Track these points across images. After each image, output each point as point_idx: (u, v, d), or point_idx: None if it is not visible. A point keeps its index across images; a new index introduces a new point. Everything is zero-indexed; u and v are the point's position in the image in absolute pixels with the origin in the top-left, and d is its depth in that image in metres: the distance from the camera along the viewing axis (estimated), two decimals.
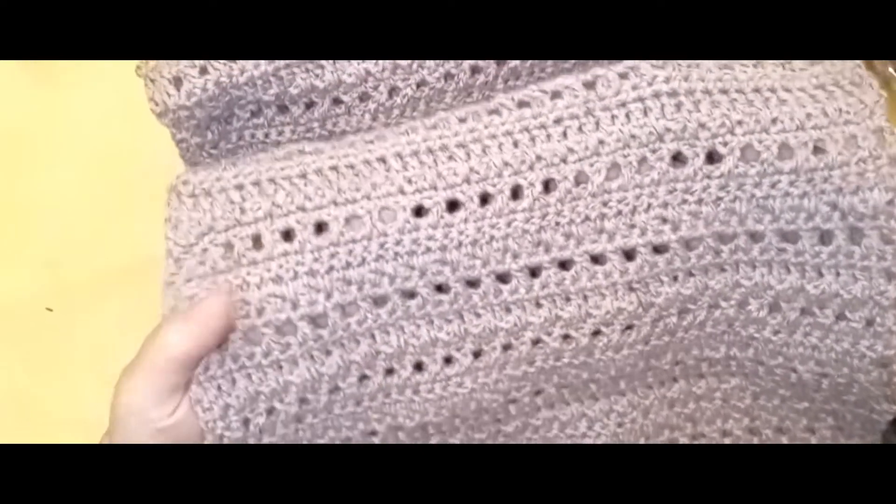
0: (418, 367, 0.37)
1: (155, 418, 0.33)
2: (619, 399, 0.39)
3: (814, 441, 0.41)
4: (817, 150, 0.34)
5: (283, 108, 0.38)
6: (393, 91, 0.38)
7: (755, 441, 0.42)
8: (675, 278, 0.36)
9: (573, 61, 0.38)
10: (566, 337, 0.37)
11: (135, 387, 0.33)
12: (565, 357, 0.37)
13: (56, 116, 0.48)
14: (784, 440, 0.41)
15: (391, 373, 0.36)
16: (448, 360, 0.37)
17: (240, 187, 0.35)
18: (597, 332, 0.37)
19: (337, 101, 0.38)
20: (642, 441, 0.40)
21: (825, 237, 0.35)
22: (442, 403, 0.37)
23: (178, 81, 0.36)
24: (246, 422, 0.35)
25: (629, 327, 0.37)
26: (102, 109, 0.48)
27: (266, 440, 0.35)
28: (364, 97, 0.38)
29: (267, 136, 0.39)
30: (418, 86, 0.38)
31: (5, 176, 0.47)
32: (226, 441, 0.35)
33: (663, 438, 0.41)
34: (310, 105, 0.38)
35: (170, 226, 0.34)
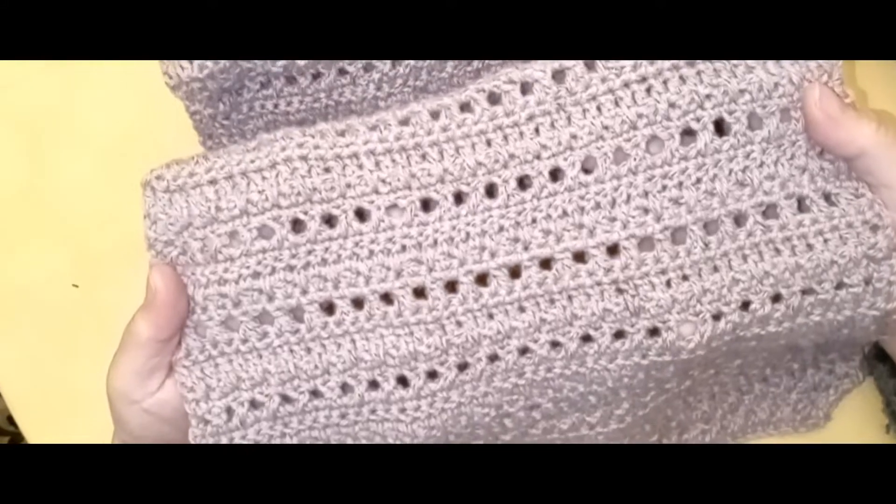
0: (402, 381, 0.36)
1: (138, 398, 0.36)
2: (620, 404, 0.38)
3: (795, 365, 0.43)
4: (784, 116, 0.35)
5: (291, 79, 0.40)
6: (396, 61, 0.40)
7: (741, 379, 0.43)
8: (668, 283, 0.35)
9: None
10: (554, 344, 0.36)
11: (117, 372, 0.36)
12: (556, 367, 0.36)
13: (76, 98, 0.49)
14: (768, 371, 0.43)
15: (374, 386, 0.36)
16: (432, 375, 0.36)
17: (213, 182, 0.35)
18: (586, 337, 0.36)
19: (342, 72, 0.40)
20: (643, 423, 0.40)
21: (802, 205, 0.35)
22: (431, 422, 0.36)
23: None
24: (229, 411, 0.36)
25: (620, 334, 0.36)
26: (122, 90, 0.49)
27: (251, 437, 0.36)
28: (368, 67, 0.40)
29: (276, 106, 0.41)
30: None
31: (28, 158, 0.48)
32: (209, 427, 0.36)
33: (661, 417, 0.42)
34: (316, 76, 0.40)
35: (148, 222, 0.35)
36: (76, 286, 0.47)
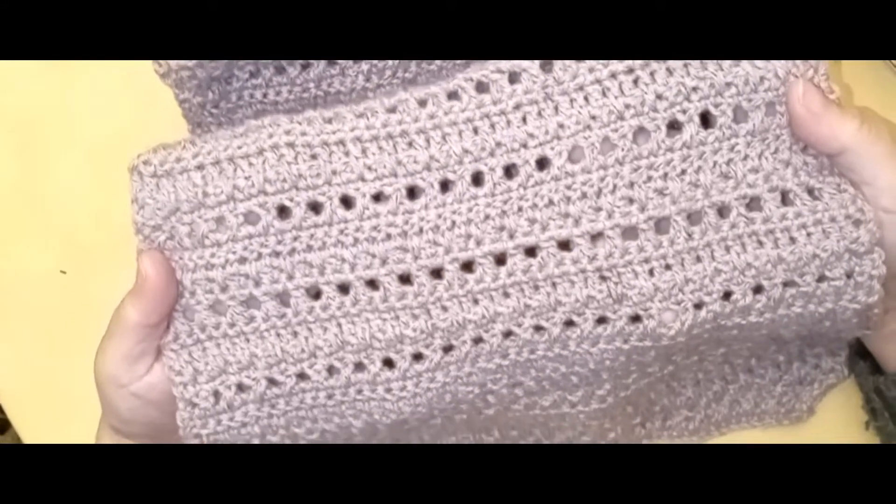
0: (387, 363, 0.36)
1: (126, 382, 0.36)
2: (602, 385, 0.39)
3: (780, 357, 0.44)
4: (769, 110, 0.35)
5: (280, 69, 0.40)
6: None
7: (726, 367, 0.44)
8: (651, 272, 0.36)
9: None
10: (538, 328, 0.36)
11: (105, 357, 0.37)
12: (539, 349, 0.37)
13: (67, 95, 0.49)
14: (753, 361, 0.44)
15: (360, 368, 0.36)
16: (417, 357, 0.36)
17: (200, 167, 0.35)
18: (569, 322, 0.36)
19: (332, 63, 0.40)
20: (622, 405, 0.41)
21: (786, 198, 0.36)
22: (416, 401, 0.37)
23: None
24: (216, 394, 0.36)
25: (603, 320, 0.36)
26: (112, 87, 0.49)
27: (239, 418, 0.37)
28: None
29: (265, 95, 0.41)
30: None
31: (18, 155, 0.48)
32: (197, 410, 0.36)
33: (644, 399, 0.42)
34: (306, 66, 0.40)
35: (136, 206, 0.35)
36: (64, 272, 0.47)
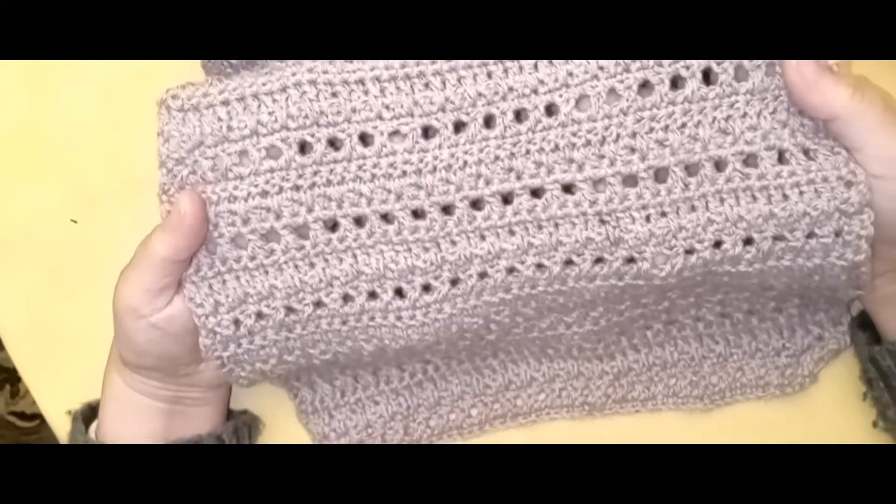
0: (398, 293, 0.39)
1: (147, 314, 0.37)
2: (596, 307, 0.42)
3: (781, 319, 0.45)
4: (769, 70, 0.37)
5: None
6: None
7: (726, 323, 0.45)
8: (648, 218, 0.37)
9: None
10: (539, 266, 0.38)
11: (126, 288, 0.37)
12: (540, 285, 0.39)
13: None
14: (754, 320, 0.45)
15: (373, 296, 0.39)
16: (426, 288, 0.39)
17: (226, 103, 0.37)
18: (568, 262, 0.38)
19: None
20: (615, 333, 0.43)
21: (782, 157, 0.37)
22: (424, 330, 0.39)
23: None
24: (237, 322, 0.38)
25: (600, 260, 0.38)
26: None
27: (258, 342, 0.39)
28: None
29: None
30: None
31: (28, 94, 0.48)
32: (218, 337, 0.38)
33: (638, 326, 0.44)
34: None
35: (162, 139, 0.37)
36: (74, 221, 0.47)
